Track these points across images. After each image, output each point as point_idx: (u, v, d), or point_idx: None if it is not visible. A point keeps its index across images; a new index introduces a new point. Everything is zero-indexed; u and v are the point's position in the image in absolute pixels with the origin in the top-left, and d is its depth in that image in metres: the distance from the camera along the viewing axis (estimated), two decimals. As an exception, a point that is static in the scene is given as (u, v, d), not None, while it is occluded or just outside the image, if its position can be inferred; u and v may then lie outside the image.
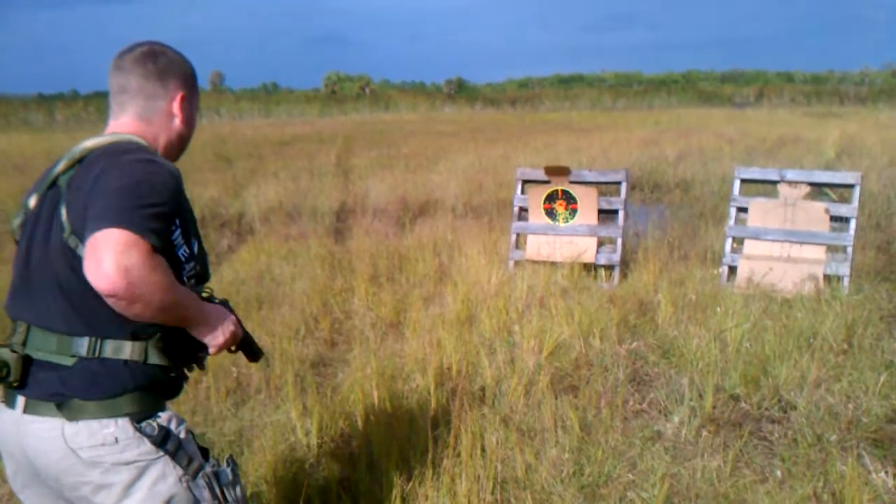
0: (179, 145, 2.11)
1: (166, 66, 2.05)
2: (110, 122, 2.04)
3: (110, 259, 1.66)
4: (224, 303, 2.07)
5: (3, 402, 1.93)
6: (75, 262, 1.81)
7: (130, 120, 2.02)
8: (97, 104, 39.89)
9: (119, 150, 1.89)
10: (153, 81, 2.02)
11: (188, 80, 2.10)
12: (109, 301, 1.71)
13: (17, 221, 2.02)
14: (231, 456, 2.08)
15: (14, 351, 1.87)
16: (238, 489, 2.01)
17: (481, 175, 13.18)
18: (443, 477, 3.39)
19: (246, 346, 2.16)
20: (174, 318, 1.85)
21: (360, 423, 4.01)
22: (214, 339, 1.97)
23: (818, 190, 7.34)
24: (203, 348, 1.98)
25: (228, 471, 2.00)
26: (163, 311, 1.78)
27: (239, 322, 2.07)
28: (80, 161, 1.92)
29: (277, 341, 5.31)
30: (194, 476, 1.92)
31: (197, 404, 4.48)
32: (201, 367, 2.06)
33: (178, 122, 2.07)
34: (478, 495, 3.34)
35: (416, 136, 22.10)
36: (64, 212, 1.85)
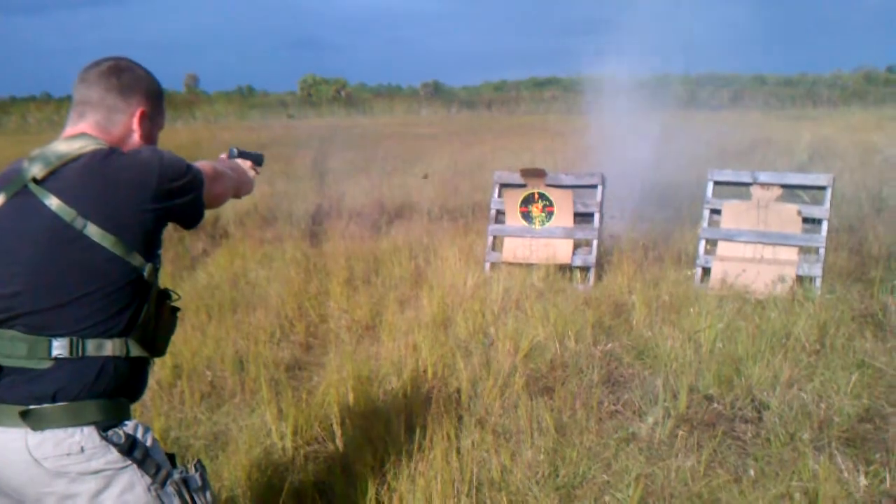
0: None
1: (130, 81, 2.06)
2: (67, 128, 2.03)
3: (212, 181, 2.16)
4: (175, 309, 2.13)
5: None
6: (79, 246, 1.84)
7: (88, 127, 2.01)
8: (70, 107, 39.46)
9: (129, 155, 1.99)
10: (115, 95, 2.03)
11: (152, 98, 2.11)
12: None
13: None
14: (199, 460, 2.05)
15: None
16: (208, 494, 1.99)
17: (457, 178, 13.18)
18: (418, 480, 3.38)
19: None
20: None
21: (335, 427, 4.00)
22: None
23: (791, 192, 7.41)
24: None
25: (197, 476, 1.98)
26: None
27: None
28: (60, 167, 1.90)
29: (252, 345, 5.29)
30: (163, 484, 1.91)
31: (171, 408, 4.45)
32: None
33: (136, 137, 2.07)
34: (453, 498, 3.34)
35: (392, 140, 22.05)
36: (55, 202, 1.84)
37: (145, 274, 1.93)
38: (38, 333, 1.83)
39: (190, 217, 2.09)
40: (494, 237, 7.66)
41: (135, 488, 1.87)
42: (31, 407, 1.80)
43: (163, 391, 4.63)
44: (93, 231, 1.84)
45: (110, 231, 1.85)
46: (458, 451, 3.70)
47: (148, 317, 1.96)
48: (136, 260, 1.90)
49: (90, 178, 1.89)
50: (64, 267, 1.84)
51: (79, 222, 1.83)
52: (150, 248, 1.96)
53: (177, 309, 2.11)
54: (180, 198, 2.00)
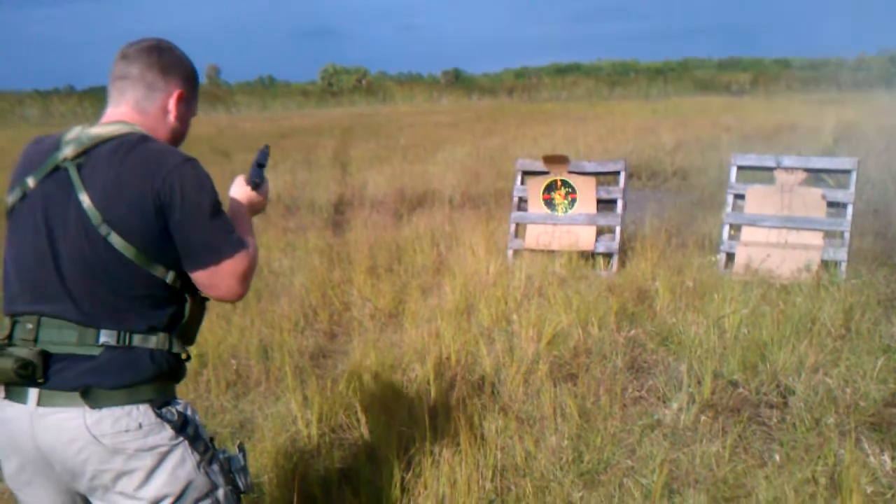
0: (172, 143, 2.09)
1: (171, 61, 2.06)
2: (108, 110, 2.04)
3: (239, 283, 1.98)
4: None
5: (5, 398, 1.89)
6: (107, 250, 1.85)
7: (128, 109, 2.02)
8: (93, 99, 39.72)
9: (151, 147, 1.94)
10: (155, 72, 2.03)
11: (189, 81, 2.11)
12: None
13: (11, 199, 1.98)
14: (242, 443, 2.12)
15: (31, 348, 1.84)
16: (248, 476, 2.06)
17: (479, 165, 13.17)
18: (442, 466, 3.40)
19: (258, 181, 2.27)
20: None
21: (359, 414, 4.02)
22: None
23: (815, 176, 7.35)
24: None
25: (240, 457, 2.05)
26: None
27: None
28: (91, 148, 1.91)
29: (276, 333, 5.32)
30: (210, 462, 1.96)
31: (197, 397, 4.50)
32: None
33: (171, 118, 2.07)
34: (477, 483, 3.35)
35: (413, 128, 22.06)
36: (86, 200, 1.86)
37: (168, 281, 1.92)
38: (87, 324, 1.85)
39: (186, 251, 1.95)
40: (517, 224, 7.66)
41: (186, 464, 1.92)
42: (90, 385, 1.83)
43: (189, 380, 4.67)
44: (116, 241, 1.85)
45: (131, 242, 1.85)
46: (482, 438, 3.72)
47: (192, 316, 2.00)
48: (159, 271, 1.90)
49: (111, 170, 1.88)
50: (96, 269, 1.86)
51: (103, 229, 1.84)
52: (172, 257, 1.93)
53: (205, 299, 2.12)
54: (183, 217, 1.91)
